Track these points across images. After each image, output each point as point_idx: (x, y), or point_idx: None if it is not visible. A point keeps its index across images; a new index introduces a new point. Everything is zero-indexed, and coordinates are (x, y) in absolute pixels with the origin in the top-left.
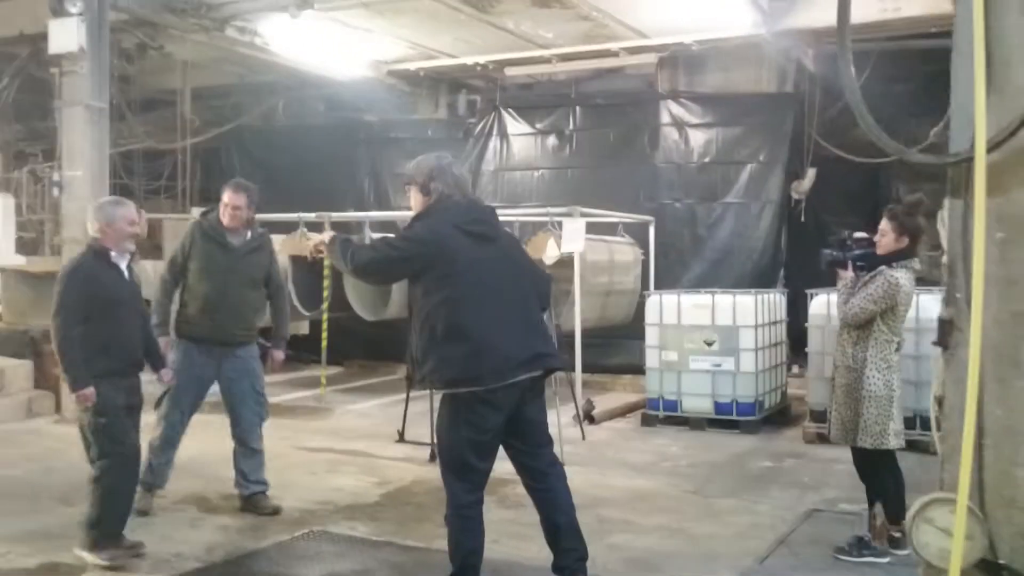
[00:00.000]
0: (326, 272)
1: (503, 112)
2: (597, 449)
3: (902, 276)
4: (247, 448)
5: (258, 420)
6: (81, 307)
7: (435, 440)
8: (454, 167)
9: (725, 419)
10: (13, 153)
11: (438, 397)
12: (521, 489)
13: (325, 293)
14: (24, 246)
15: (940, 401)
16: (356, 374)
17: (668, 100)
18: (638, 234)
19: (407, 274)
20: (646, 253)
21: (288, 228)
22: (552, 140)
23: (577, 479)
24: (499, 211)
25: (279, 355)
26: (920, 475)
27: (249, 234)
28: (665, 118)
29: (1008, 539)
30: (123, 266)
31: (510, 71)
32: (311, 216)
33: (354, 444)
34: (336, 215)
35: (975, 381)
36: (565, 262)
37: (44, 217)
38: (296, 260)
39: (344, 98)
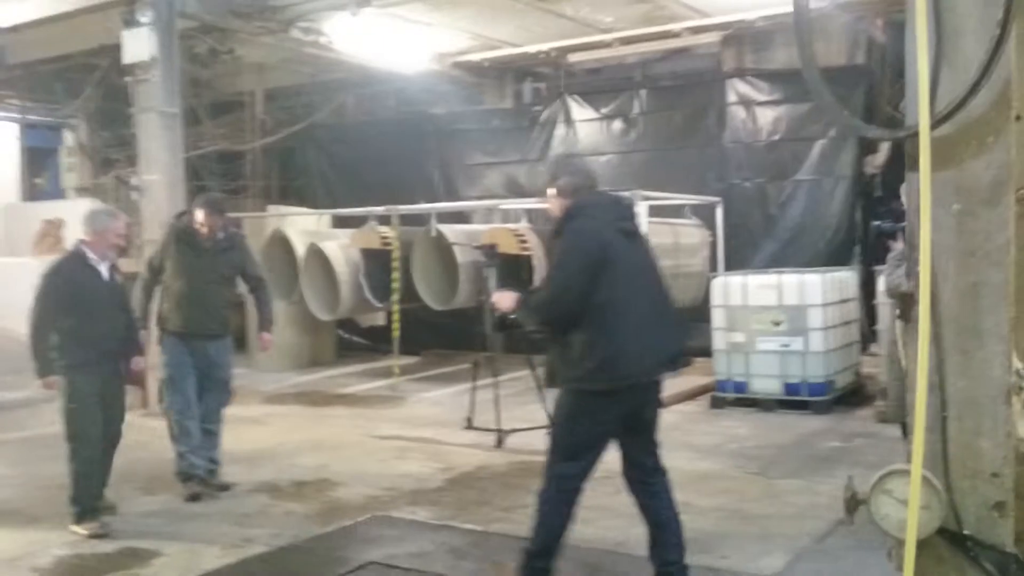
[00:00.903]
0: (395, 264)
1: (568, 98)
2: (664, 432)
3: None
4: (203, 430)
5: (220, 406)
6: (56, 303)
7: (551, 423)
8: (573, 159)
9: (795, 400)
10: (100, 160)
11: (510, 385)
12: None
13: (394, 285)
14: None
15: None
16: (431, 363)
17: (734, 79)
18: (707, 216)
19: (588, 286)
20: (714, 235)
21: (359, 222)
22: (618, 124)
23: None
24: None
25: (268, 337)
26: None
27: (221, 235)
28: (732, 97)
29: (973, 510)
30: (102, 268)
31: (573, 57)
32: (380, 210)
33: (423, 432)
34: (404, 208)
35: (925, 353)
36: None
37: (130, 220)
38: (367, 253)
39: (412, 92)
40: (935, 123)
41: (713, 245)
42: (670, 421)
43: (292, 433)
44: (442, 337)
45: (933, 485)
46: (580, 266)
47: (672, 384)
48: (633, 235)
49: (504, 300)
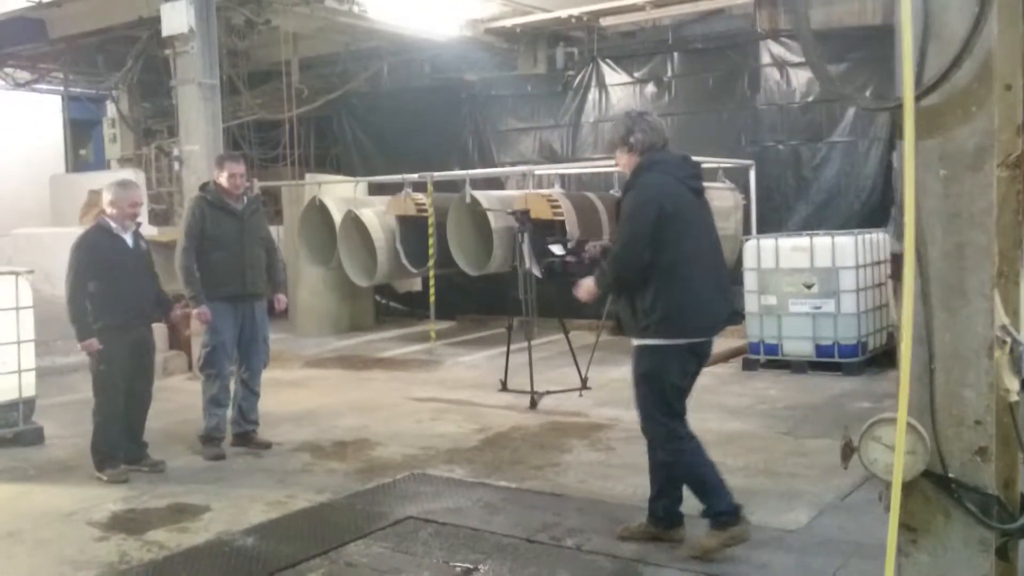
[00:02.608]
0: (430, 231)
1: (600, 63)
2: (696, 394)
3: None
4: (249, 391)
5: (262, 366)
6: (86, 271)
7: (635, 386)
8: (646, 115)
9: (827, 362)
10: (142, 130)
11: (544, 349)
12: (611, 434)
13: (431, 251)
14: (155, 217)
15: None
16: (467, 328)
17: (768, 40)
18: (740, 179)
19: (658, 237)
20: (747, 198)
21: (395, 189)
22: (651, 88)
23: None
24: (599, 162)
25: (283, 299)
26: None
27: (246, 199)
28: (765, 59)
29: (958, 455)
30: (126, 236)
31: (605, 21)
32: (414, 177)
33: (460, 394)
34: (439, 175)
35: (910, 310)
36: None
37: (171, 190)
38: (403, 220)
39: (446, 59)
40: (921, 94)
41: (746, 208)
42: (702, 383)
43: (332, 395)
44: (477, 302)
45: (918, 431)
46: (652, 217)
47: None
48: (700, 193)
49: (584, 289)
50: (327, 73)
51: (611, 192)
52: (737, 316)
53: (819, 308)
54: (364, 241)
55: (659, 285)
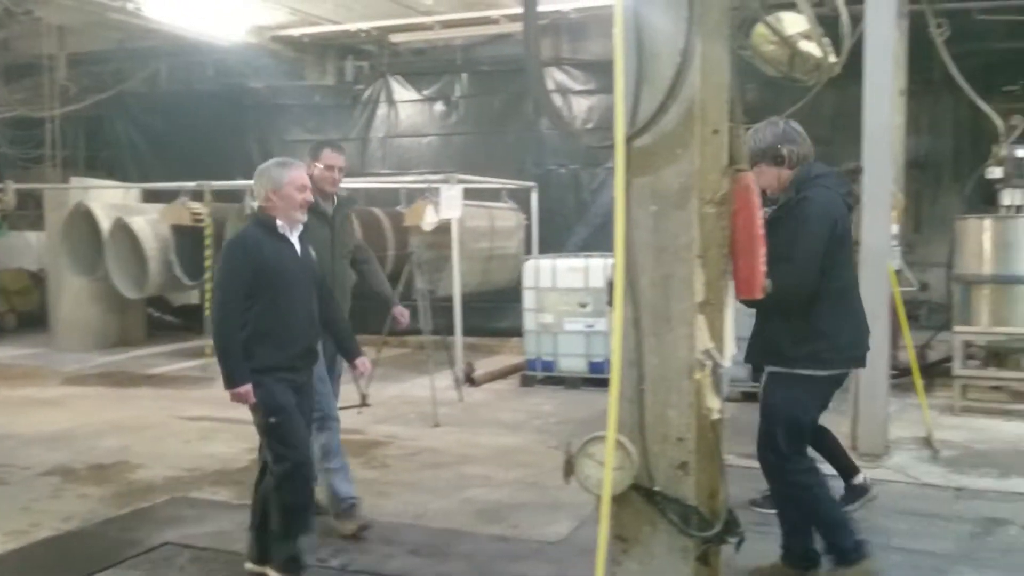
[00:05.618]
0: (207, 242)
1: (391, 78)
2: (472, 410)
3: None
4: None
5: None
6: (242, 287)
7: (767, 416)
8: (793, 123)
9: (600, 378)
10: None
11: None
12: (388, 451)
13: (207, 263)
14: None
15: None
16: None
17: (552, 67)
18: (523, 200)
19: (827, 259)
20: (529, 218)
21: (171, 197)
22: (439, 107)
23: (448, 439)
24: (387, 178)
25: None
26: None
27: (335, 199)
28: (549, 85)
29: (663, 469)
30: (293, 238)
31: (395, 37)
32: (192, 185)
33: (233, 412)
34: (218, 183)
35: (619, 335)
36: (444, 228)
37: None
38: (179, 229)
39: (231, 64)
40: (634, 135)
41: (528, 228)
42: (480, 399)
43: (93, 415)
44: None
45: (627, 448)
46: (825, 237)
47: (489, 363)
48: (851, 211)
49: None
50: (99, 71)
51: (397, 208)
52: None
53: (592, 327)
54: (135, 251)
55: (824, 310)
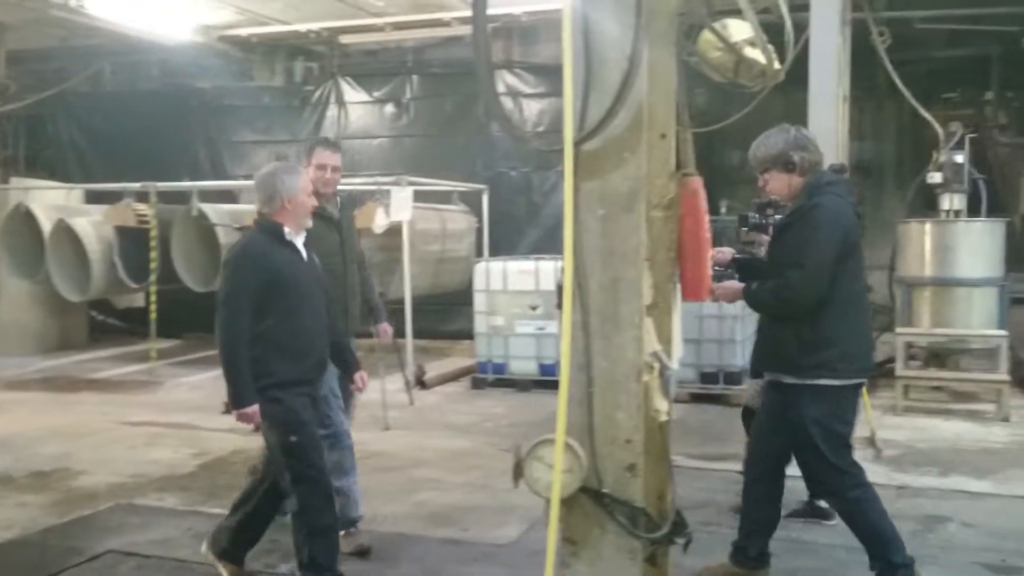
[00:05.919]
0: (152, 244)
1: (341, 80)
2: (423, 413)
3: None
4: None
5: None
6: (250, 298)
7: (800, 434)
8: (804, 130)
9: (550, 380)
10: None
11: None
12: None
13: (152, 265)
14: None
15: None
16: (194, 346)
17: (503, 70)
18: (474, 203)
19: (839, 267)
20: (480, 221)
21: (115, 198)
22: (390, 108)
23: (399, 442)
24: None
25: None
26: (722, 425)
27: (338, 200)
28: (500, 88)
29: (611, 472)
30: (298, 243)
31: (345, 39)
32: (136, 186)
33: (179, 417)
34: (163, 185)
35: (567, 338)
36: (395, 231)
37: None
38: (123, 231)
39: (177, 64)
40: (582, 139)
41: (479, 231)
42: (431, 402)
43: (32, 421)
44: (206, 320)
45: (575, 451)
46: (837, 245)
47: (440, 366)
48: (860, 219)
49: (730, 292)
50: (40, 69)
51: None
52: None
53: (543, 329)
54: (77, 253)
55: (833, 318)
